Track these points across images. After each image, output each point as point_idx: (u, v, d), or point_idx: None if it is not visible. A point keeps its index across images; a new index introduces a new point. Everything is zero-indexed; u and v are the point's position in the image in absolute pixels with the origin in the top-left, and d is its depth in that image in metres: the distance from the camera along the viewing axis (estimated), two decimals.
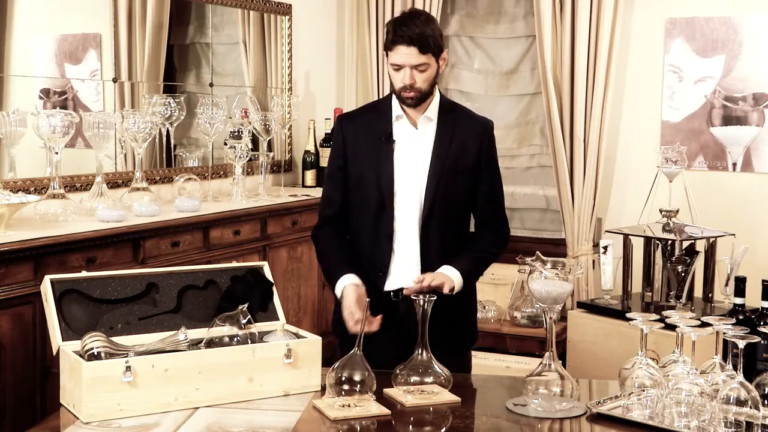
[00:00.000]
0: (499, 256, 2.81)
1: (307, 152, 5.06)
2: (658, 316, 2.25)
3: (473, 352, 2.99)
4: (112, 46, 3.98)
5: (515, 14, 5.23)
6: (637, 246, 3.99)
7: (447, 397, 2.30)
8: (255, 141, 4.59)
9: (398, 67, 2.65)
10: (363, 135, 2.76)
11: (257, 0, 4.84)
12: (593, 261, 4.79)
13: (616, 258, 4.04)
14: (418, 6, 5.02)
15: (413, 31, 2.59)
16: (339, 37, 5.45)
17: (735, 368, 2.10)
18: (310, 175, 5.05)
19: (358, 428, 2.13)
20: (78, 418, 2.11)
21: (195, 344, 2.30)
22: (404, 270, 2.68)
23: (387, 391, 2.32)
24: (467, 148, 2.74)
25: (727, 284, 3.70)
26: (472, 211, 2.83)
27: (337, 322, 2.72)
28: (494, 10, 5.28)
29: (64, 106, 3.73)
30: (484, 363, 4.32)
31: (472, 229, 2.88)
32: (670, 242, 3.85)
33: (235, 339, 2.32)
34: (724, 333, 2.15)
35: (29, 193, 3.33)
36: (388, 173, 2.70)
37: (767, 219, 4.59)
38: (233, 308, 2.39)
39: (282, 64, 5.07)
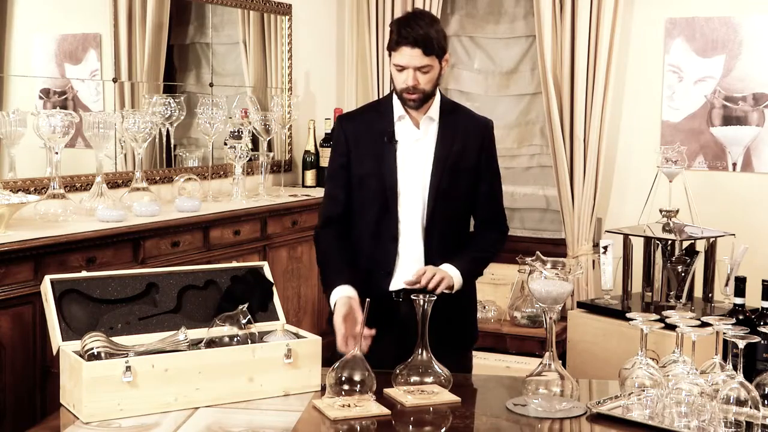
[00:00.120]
0: (498, 255, 2.81)
1: (307, 152, 5.06)
2: (658, 316, 2.25)
3: (473, 352, 2.98)
4: (112, 46, 3.98)
5: (515, 14, 5.23)
6: (637, 246, 3.98)
7: (447, 397, 2.30)
8: (255, 141, 4.59)
9: (401, 68, 2.63)
10: (364, 135, 2.75)
11: (257, 0, 4.84)
12: (593, 261, 4.79)
13: (616, 258, 4.04)
14: (419, 6, 5.02)
15: (417, 32, 2.58)
16: (339, 37, 5.45)
17: (735, 368, 2.10)
18: (310, 175, 5.05)
19: (358, 428, 2.13)
20: (78, 418, 2.11)
21: (195, 344, 2.30)
22: (408, 270, 2.67)
23: (387, 391, 2.32)
24: (468, 148, 2.74)
25: (727, 284, 3.69)
26: (471, 210, 2.82)
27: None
28: (494, 10, 5.28)
29: (64, 106, 3.73)
30: (484, 363, 4.32)
31: (471, 228, 2.89)
32: (670, 242, 3.84)
33: (235, 339, 2.32)
34: (724, 333, 2.14)
35: (29, 193, 3.33)
36: (391, 174, 2.69)
37: (767, 219, 4.59)
38: (233, 308, 2.39)
39: (282, 64, 5.07)
